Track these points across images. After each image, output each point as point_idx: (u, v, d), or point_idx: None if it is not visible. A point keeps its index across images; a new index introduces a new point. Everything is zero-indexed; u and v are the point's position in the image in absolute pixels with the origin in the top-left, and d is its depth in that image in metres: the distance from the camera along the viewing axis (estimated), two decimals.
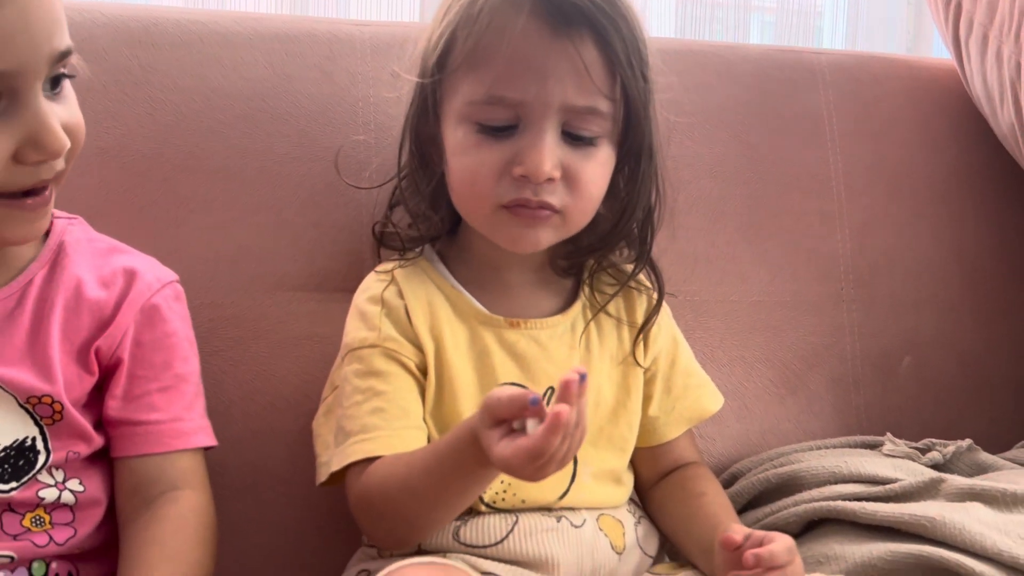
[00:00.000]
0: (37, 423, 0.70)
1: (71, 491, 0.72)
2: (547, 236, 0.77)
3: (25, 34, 0.61)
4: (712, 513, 0.80)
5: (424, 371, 0.78)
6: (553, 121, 0.74)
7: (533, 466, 0.61)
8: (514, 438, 0.62)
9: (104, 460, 0.75)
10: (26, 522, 0.70)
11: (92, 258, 0.75)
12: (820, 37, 1.45)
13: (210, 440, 0.77)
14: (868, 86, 1.12)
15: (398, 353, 0.77)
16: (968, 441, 0.97)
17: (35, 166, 0.65)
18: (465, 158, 0.76)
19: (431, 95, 0.78)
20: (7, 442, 0.69)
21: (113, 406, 0.74)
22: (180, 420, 0.75)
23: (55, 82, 0.66)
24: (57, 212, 0.74)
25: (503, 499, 0.77)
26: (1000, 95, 1.07)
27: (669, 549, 0.85)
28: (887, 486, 0.85)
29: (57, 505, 0.71)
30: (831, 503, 0.85)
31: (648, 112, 0.78)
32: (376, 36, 0.97)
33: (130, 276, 0.75)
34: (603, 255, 0.84)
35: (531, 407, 0.61)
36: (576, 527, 0.77)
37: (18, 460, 0.70)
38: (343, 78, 0.95)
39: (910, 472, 0.89)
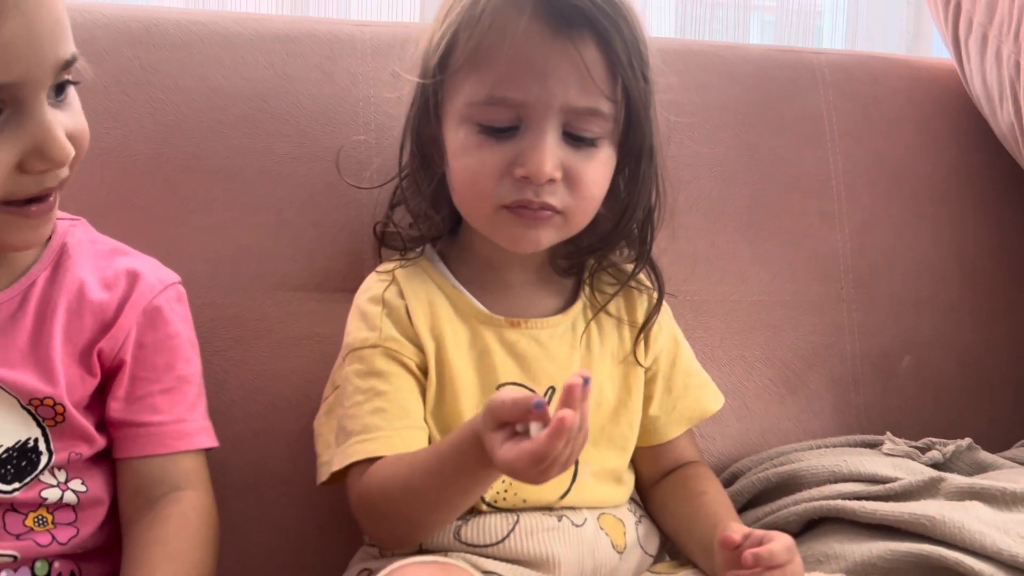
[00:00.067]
0: (39, 424, 0.71)
1: (73, 491, 0.72)
2: (548, 236, 0.78)
3: (30, 45, 0.61)
4: (712, 512, 0.80)
5: (425, 371, 0.78)
6: (554, 122, 0.74)
7: (536, 469, 0.61)
8: (517, 441, 0.62)
9: (106, 460, 0.75)
10: (29, 522, 0.70)
11: (94, 260, 0.75)
12: (820, 37, 1.45)
13: (212, 441, 0.78)
14: (868, 86, 1.13)
15: (399, 353, 0.77)
16: (968, 440, 0.97)
17: (40, 175, 0.65)
18: (466, 159, 0.76)
19: (432, 96, 0.78)
20: (9, 443, 0.69)
21: (115, 407, 0.74)
22: (183, 421, 0.75)
23: (59, 89, 0.66)
24: (60, 213, 0.74)
25: (504, 498, 0.77)
26: (1000, 95, 1.07)
27: (670, 548, 0.85)
28: (887, 485, 0.86)
29: (60, 505, 0.72)
30: (831, 502, 0.85)
31: (649, 112, 0.78)
32: (377, 36, 0.97)
33: (132, 278, 0.75)
34: (603, 255, 0.84)
35: (535, 411, 0.61)
36: (577, 526, 0.77)
37: (20, 461, 0.70)
38: (344, 78, 0.95)
39: (910, 471, 0.89)
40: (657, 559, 0.83)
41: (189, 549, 0.71)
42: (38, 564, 0.71)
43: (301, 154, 0.92)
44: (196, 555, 0.72)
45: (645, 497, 0.86)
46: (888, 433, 1.00)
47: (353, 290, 0.83)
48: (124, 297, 0.74)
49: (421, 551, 0.75)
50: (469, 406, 0.78)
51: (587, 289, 0.85)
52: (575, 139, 0.75)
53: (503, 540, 0.75)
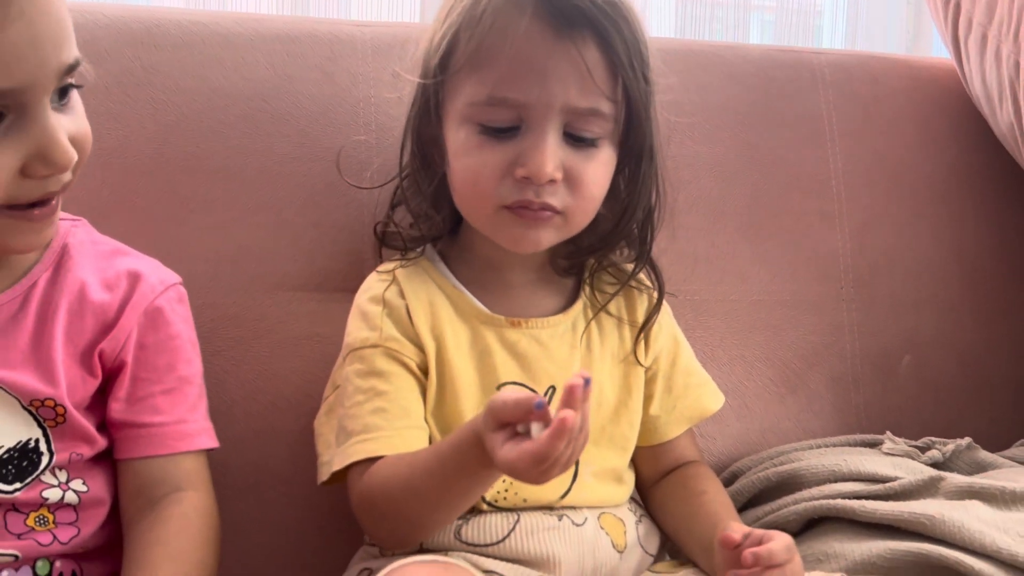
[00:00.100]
0: (40, 425, 0.71)
1: (75, 491, 0.72)
2: (548, 237, 0.78)
3: (34, 50, 0.61)
4: (713, 512, 0.80)
5: (425, 371, 0.78)
6: (555, 122, 0.74)
7: (537, 470, 0.61)
8: (518, 442, 0.62)
9: (107, 460, 0.75)
10: (30, 521, 0.71)
11: (96, 261, 0.75)
12: (820, 37, 1.45)
13: (213, 442, 0.78)
14: (868, 86, 1.13)
15: (399, 353, 0.77)
16: (967, 440, 0.97)
17: (43, 179, 0.64)
18: (467, 159, 0.76)
19: (433, 96, 0.78)
20: (10, 444, 0.70)
21: (116, 408, 0.74)
22: (184, 422, 0.75)
23: (62, 93, 0.65)
24: (61, 214, 0.74)
25: (505, 498, 0.77)
26: (999, 94, 1.07)
27: (670, 548, 0.85)
28: (887, 484, 0.86)
29: (61, 505, 0.72)
30: (831, 501, 0.85)
31: (649, 113, 0.78)
32: (377, 37, 0.97)
33: (134, 279, 0.75)
34: (604, 255, 0.84)
35: (536, 411, 0.61)
36: (577, 526, 0.77)
37: (21, 461, 0.70)
38: (344, 79, 0.95)
39: (909, 470, 0.89)
40: (657, 558, 0.83)
41: (190, 549, 0.71)
42: (39, 563, 0.71)
43: (301, 154, 0.92)
44: (197, 555, 0.72)
45: (645, 496, 0.86)
46: (888, 433, 1.00)
47: (353, 290, 0.83)
48: (125, 298, 0.74)
49: (422, 550, 0.76)
50: (470, 406, 0.78)
51: (587, 289, 0.85)
52: (576, 139, 0.75)
53: (504, 539, 0.75)
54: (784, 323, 1.05)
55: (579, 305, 0.84)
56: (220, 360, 0.88)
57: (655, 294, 0.85)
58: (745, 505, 0.93)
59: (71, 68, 0.65)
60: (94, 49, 0.87)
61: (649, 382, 0.85)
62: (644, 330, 0.84)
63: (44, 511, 0.71)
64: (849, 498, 0.85)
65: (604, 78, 0.74)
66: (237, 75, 0.92)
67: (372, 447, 0.74)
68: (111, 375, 0.74)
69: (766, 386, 1.04)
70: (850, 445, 0.99)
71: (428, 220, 0.83)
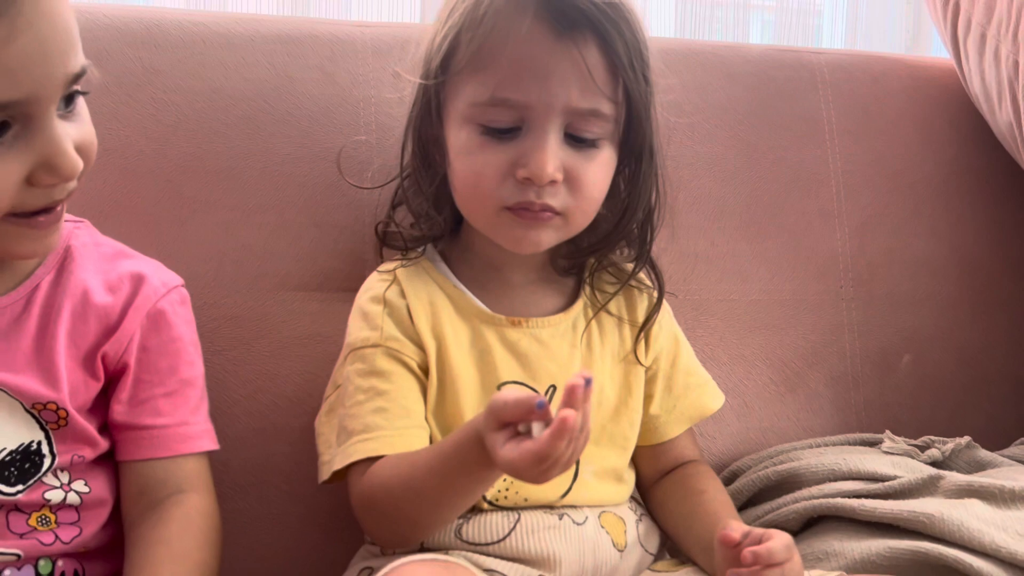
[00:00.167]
0: (43, 428, 0.71)
1: (76, 492, 0.72)
2: (549, 237, 0.78)
3: (42, 61, 0.61)
4: (712, 511, 0.80)
5: (426, 370, 0.78)
6: (556, 123, 0.74)
7: (538, 469, 0.61)
8: (519, 441, 0.62)
9: (109, 461, 0.75)
10: (32, 521, 0.71)
11: (98, 263, 0.75)
12: (819, 37, 1.45)
13: (214, 444, 0.78)
14: (867, 86, 1.13)
15: (400, 353, 0.78)
16: (967, 438, 0.97)
17: (48, 188, 0.64)
18: (469, 159, 0.76)
19: (434, 96, 0.78)
20: (13, 446, 0.70)
21: (119, 411, 0.74)
22: (185, 424, 0.75)
23: (68, 100, 0.65)
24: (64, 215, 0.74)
25: (505, 497, 0.77)
26: (998, 94, 1.07)
27: (670, 547, 0.85)
28: (886, 483, 0.86)
29: (63, 505, 0.72)
30: (830, 500, 0.85)
31: (649, 113, 0.78)
32: (377, 37, 0.97)
33: (136, 281, 0.75)
34: (604, 254, 0.85)
35: (537, 411, 0.61)
36: (578, 525, 0.77)
37: (24, 463, 0.70)
38: (345, 79, 0.95)
39: (909, 469, 0.89)
40: (657, 557, 0.83)
41: (192, 550, 0.72)
42: (41, 563, 0.71)
43: (302, 154, 0.92)
44: (199, 556, 0.72)
45: (645, 496, 0.87)
46: (887, 431, 1.00)
47: (354, 290, 0.84)
48: (128, 300, 0.74)
49: (422, 549, 0.76)
50: (470, 405, 0.78)
51: (588, 288, 0.85)
52: (576, 140, 0.75)
53: (504, 538, 0.76)
54: (784, 322, 1.05)
55: (579, 304, 0.84)
56: (222, 359, 0.88)
57: (655, 293, 0.86)
58: (745, 504, 0.93)
59: (78, 76, 0.64)
60: (95, 49, 0.86)
61: (649, 382, 0.85)
62: (644, 329, 0.84)
63: (46, 511, 0.71)
64: (849, 497, 0.85)
65: (605, 79, 0.74)
66: (238, 75, 0.92)
67: (373, 447, 0.74)
68: (113, 378, 0.74)
69: (766, 385, 1.04)
70: (850, 444, 1.00)
71: (429, 220, 0.83)
